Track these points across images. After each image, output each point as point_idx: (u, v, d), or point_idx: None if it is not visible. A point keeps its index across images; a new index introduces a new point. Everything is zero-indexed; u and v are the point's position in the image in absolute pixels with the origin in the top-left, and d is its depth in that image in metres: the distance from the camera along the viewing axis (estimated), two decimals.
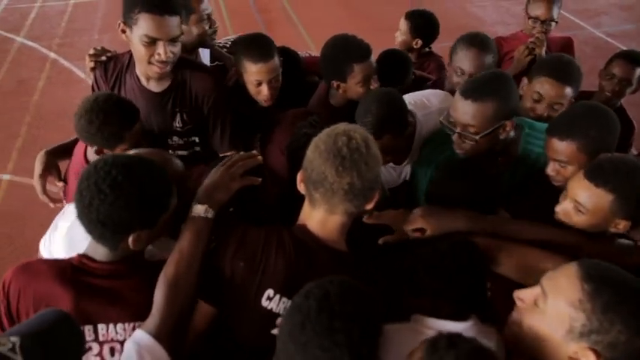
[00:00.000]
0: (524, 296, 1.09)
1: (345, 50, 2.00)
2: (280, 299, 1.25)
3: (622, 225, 1.40)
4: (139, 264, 1.30)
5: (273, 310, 1.25)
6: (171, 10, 1.70)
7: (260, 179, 1.41)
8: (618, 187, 1.35)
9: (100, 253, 1.26)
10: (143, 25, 1.68)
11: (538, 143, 1.69)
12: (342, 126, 1.26)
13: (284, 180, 1.69)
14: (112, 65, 1.94)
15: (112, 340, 1.23)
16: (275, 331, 1.24)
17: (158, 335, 1.16)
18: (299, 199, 1.35)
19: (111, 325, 1.24)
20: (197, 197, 1.34)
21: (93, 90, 1.99)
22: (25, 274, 1.26)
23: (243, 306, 1.26)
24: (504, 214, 1.64)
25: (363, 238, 1.37)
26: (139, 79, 1.90)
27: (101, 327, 1.23)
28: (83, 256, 1.28)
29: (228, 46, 2.58)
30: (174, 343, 1.19)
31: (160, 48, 1.71)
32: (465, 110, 1.59)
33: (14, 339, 0.88)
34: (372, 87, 2.03)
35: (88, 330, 1.23)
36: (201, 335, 1.27)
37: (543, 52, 2.44)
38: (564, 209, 1.45)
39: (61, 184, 1.92)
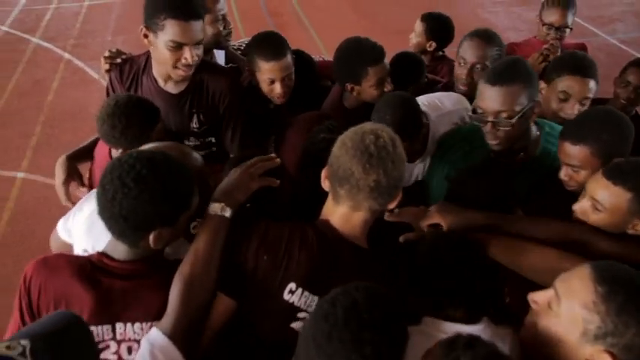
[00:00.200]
0: (537, 298, 1.09)
1: (359, 53, 2.01)
2: (302, 293, 1.26)
3: None
4: (159, 263, 1.29)
5: (295, 303, 1.26)
6: (196, 15, 1.73)
7: (278, 181, 1.42)
8: (637, 186, 1.35)
9: (120, 251, 1.26)
10: (169, 31, 1.70)
11: (557, 143, 1.69)
12: (368, 124, 1.28)
13: (298, 182, 1.69)
14: (128, 67, 1.96)
15: (130, 340, 1.23)
16: (295, 325, 1.25)
17: (172, 335, 1.15)
18: (311, 200, 1.36)
19: (129, 325, 1.23)
20: (214, 196, 1.34)
21: (107, 92, 2.01)
22: (45, 269, 1.25)
23: (265, 299, 1.27)
24: (520, 213, 1.63)
25: (383, 235, 1.38)
26: (156, 81, 1.92)
27: (119, 326, 1.23)
28: (102, 255, 1.27)
29: (242, 48, 2.60)
30: (188, 343, 1.18)
31: (187, 52, 1.73)
32: (495, 96, 1.58)
33: (24, 342, 0.86)
34: (385, 89, 2.03)
35: (106, 329, 1.23)
36: (218, 331, 1.27)
37: None
38: (582, 207, 1.44)
39: (84, 189, 1.93)
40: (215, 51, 2.34)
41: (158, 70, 1.89)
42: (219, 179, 1.41)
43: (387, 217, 1.45)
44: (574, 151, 1.52)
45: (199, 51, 1.79)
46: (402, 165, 1.26)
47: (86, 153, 1.95)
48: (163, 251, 1.31)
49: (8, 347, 0.85)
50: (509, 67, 1.61)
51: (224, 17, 2.27)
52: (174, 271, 1.25)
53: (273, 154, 1.50)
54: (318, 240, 1.28)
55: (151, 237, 1.21)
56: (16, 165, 3.88)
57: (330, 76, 2.30)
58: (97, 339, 1.22)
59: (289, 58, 2.02)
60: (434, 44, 2.77)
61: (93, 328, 1.21)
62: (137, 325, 1.23)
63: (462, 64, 2.09)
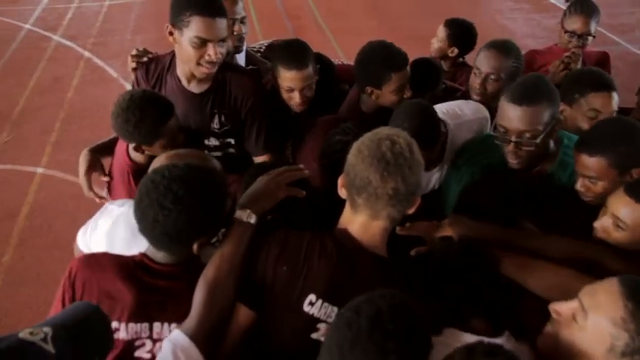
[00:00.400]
0: (560, 309, 1.08)
1: (385, 57, 2.01)
2: (322, 304, 1.24)
3: None
4: (195, 266, 1.31)
5: (315, 315, 1.24)
6: (221, 12, 1.75)
7: (304, 192, 1.42)
8: None
9: (160, 256, 1.30)
10: (194, 27, 1.72)
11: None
12: (384, 130, 1.25)
13: (315, 186, 1.70)
14: (154, 66, 1.98)
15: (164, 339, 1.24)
16: (315, 336, 1.24)
17: (194, 337, 1.17)
18: (331, 204, 1.36)
19: (165, 324, 1.26)
20: (241, 202, 1.35)
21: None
22: (90, 266, 1.29)
23: (285, 310, 1.26)
24: (529, 226, 1.63)
25: (398, 245, 1.37)
26: (179, 80, 1.94)
27: (156, 325, 1.26)
28: (144, 256, 1.31)
29: (262, 50, 2.62)
30: (210, 346, 1.20)
31: (210, 49, 1.75)
32: (519, 116, 1.57)
33: (47, 329, 0.89)
34: (405, 95, 2.03)
35: (144, 327, 1.26)
36: (239, 340, 1.27)
37: (579, 67, 2.41)
38: (603, 225, 1.43)
39: (106, 178, 1.96)
40: (236, 56, 2.36)
41: (182, 70, 1.91)
42: (236, 189, 1.43)
43: (398, 230, 1.43)
44: (590, 163, 1.51)
45: (223, 49, 1.80)
46: (420, 170, 1.24)
47: (108, 148, 1.98)
48: (199, 255, 1.33)
49: (32, 333, 0.88)
50: (532, 87, 1.60)
51: (242, 20, 2.29)
52: None
53: (301, 165, 1.50)
54: (337, 250, 1.26)
55: (195, 246, 1.26)
56: (36, 160, 3.94)
57: (347, 80, 2.31)
58: (134, 336, 1.26)
59: (311, 69, 2.03)
60: (456, 50, 2.76)
61: (132, 325, 1.25)
62: (173, 325, 1.25)
63: (477, 74, 2.09)
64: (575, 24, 2.56)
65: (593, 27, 2.56)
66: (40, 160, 3.95)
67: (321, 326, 1.26)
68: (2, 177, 3.77)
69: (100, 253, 1.40)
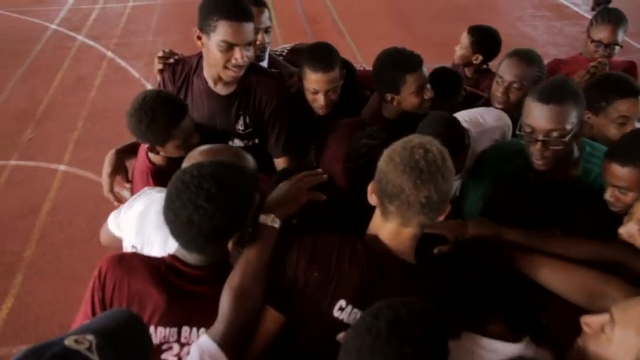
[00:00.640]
0: (591, 322, 1.08)
1: (397, 62, 2.02)
2: (352, 310, 1.25)
3: None
4: (225, 269, 1.30)
5: (344, 320, 1.25)
6: (248, 17, 1.77)
7: (325, 196, 1.43)
8: None
9: (191, 258, 1.28)
10: (221, 32, 1.75)
11: (598, 163, 1.66)
12: (416, 138, 1.24)
13: (339, 188, 1.71)
14: (180, 67, 2.01)
15: (192, 343, 1.23)
16: (340, 340, 1.22)
17: (222, 342, 1.17)
18: (355, 207, 1.36)
19: (194, 329, 1.26)
20: (265, 207, 1.35)
21: None
22: (120, 267, 1.28)
23: (315, 315, 1.26)
24: (556, 233, 1.61)
25: (424, 247, 1.37)
26: (206, 82, 1.96)
27: (185, 329, 1.26)
28: (174, 258, 1.29)
29: (284, 54, 2.64)
30: (236, 351, 1.20)
31: (237, 53, 1.78)
32: (548, 115, 1.55)
33: (90, 337, 0.88)
34: (425, 96, 2.04)
35: (173, 331, 1.25)
36: (266, 344, 1.27)
37: None
38: (629, 231, 1.42)
39: (128, 185, 1.99)
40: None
41: (209, 72, 1.94)
42: (265, 190, 1.43)
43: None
44: (622, 173, 1.49)
45: (250, 52, 1.83)
46: (452, 178, 1.24)
47: (133, 149, 2.00)
48: (229, 257, 1.33)
49: (77, 341, 0.87)
50: (559, 86, 1.59)
51: (267, 30, 2.31)
52: None
53: (320, 170, 1.51)
54: (368, 256, 1.26)
55: (230, 243, 1.25)
56: (59, 158, 4.02)
57: (369, 86, 2.32)
58: (162, 340, 1.25)
59: (337, 72, 2.04)
60: (480, 57, 2.75)
61: (161, 329, 1.25)
62: (202, 330, 1.25)
63: (499, 82, 2.09)
64: (602, 33, 2.52)
65: (620, 36, 2.52)
66: (62, 157, 4.03)
67: None
68: (26, 173, 3.85)
69: (130, 253, 1.39)
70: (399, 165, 1.19)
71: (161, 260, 1.31)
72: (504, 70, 2.07)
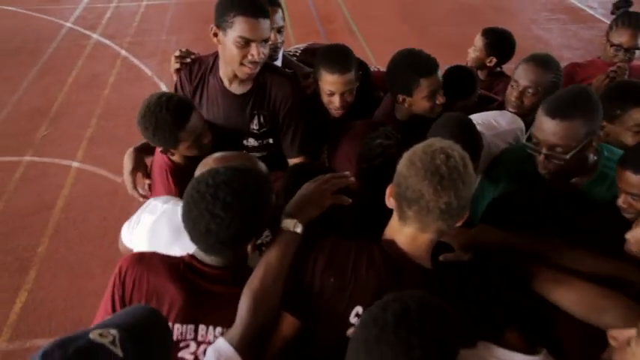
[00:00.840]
0: (617, 335, 1.07)
1: (412, 64, 2.01)
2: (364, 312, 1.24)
3: None
4: (243, 270, 1.31)
5: None
6: (264, 13, 1.79)
7: (350, 200, 1.40)
8: None
9: (210, 259, 1.30)
10: (238, 28, 1.76)
11: (615, 167, 1.65)
12: (437, 142, 1.22)
13: (352, 190, 1.71)
14: (197, 67, 2.02)
15: (209, 342, 1.25)
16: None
17: (239, 346, 1.17)
18: (367, 209, 1.36)
19: (210, 328, 1.27)
20: (287, 210, 1.34)
21: (176, 90, 2.07)
22: (140, 264, 1.30)
23: (331, 321, 1.25)
24: (555, 240, 1.60)
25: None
26: (221, 81, 1.97)
27: (202, 328, 1.27)
28: (193, 258, 1.31)
29: (297, 54, 2.65)
30: (252, 356, 1.20)
31: (253, 49, 1.79)
32: (553, 130, 1.55)
33: (114, 332, 0.90)
34: (437, 102, 2.03)
35: (189, 328, 1.27)
36: (282, 349, 1.27)
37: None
38: (635, 236, 1.41)
39: (148, 181, 2.01)
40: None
41: (224, 70, 1.95)
42: (277, 187, 1.43)
43: None
44: (635, 180, 1.48)
45: (266, 49, 1.83)
46: (472, 185, 1.22)
47: (151, 147, 2.01)
48: (247, 258, 1.34)
49: (101, 335, 0.89)
50: (570, 101, 1.57)
51: (279, 30, 2.32)
52: None
53: (347, 172, 1.48)
54: (384, 262, 1.25)
55: (249, 247, 1.27)
56: (72, 155, 4.06)
57: (382, 87, 2.32)
58: (179, 337, 1.27)
59: (353, 74, 2.04)
60: (494, 60, 2.73)
61: (178, 326, 1.26)
62: (218, 329, 1.26)
63: (514, 87, 2.08)
64: (622, 37, 2.49)
65: None
66: (76, 154, 4.07)
67: None
68: (40, 170, 3.90)
69: (150, 252, 1.41)
70: (419, 170, 1.17)
71: (180, 259, 1.32)
72: (520, 74, 2.06)
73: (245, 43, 1.78)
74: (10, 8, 7.01)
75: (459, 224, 1.25)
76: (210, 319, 1.27)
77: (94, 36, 6.21)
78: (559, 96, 1.63)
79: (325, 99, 2.08)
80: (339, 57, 2.03)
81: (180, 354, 1.27)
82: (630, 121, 1.85)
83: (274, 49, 2.33)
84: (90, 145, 4.19)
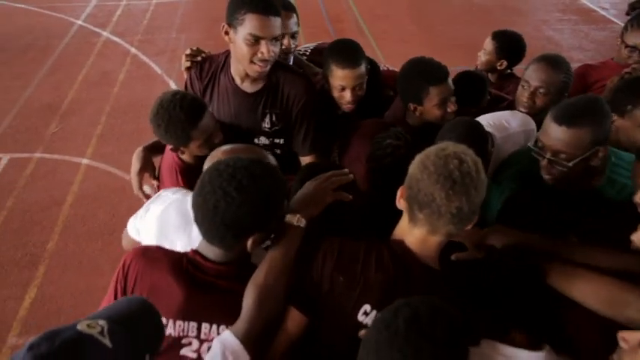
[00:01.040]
0: (629, 337, 1.07)
1: (422, 73, 2.00)
2: (376, 315, 1.24)
3: None
4: (247, 267, 1.31)
5: (368, 325, 1.24)
6: (275, 11, 1.79)
7: (351, 196, 1.42)
8: None
9: (213, 252, 1.29)
10: (249, 25, 1.76)
11: (624, 173, 1.64)
12: (451, 147, 1.22)
13: (361, 188, 1.70)
14: (208, 65, 2.02)
15: (212, 340, 1.23)
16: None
17: (244, 339, 1.17)
18: (376, 207, 1.36)
19: (214, 325, 1.26)
20: (290, 207, 1.36)
21: (186, 88, 2.08)
22: (144, 259, 1.30)
23: (339, 319, 1.26)
24: (573, 240, 1.60)
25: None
26: (233, 79, 1.97)
27: (205, 325, 1.26)
28: (197, 253, 1.30)
29: (307, 54, 2.65)
30: (258, 349, 1.20)
31: (264, 47, 1.79)
32: (558, 136, 1.55)
33: (102, 322, 0.91)
34: (449, 109, 2.01)
35: (192, 325, 1.26)
36: (287, 345, 1.27)
37: None
38: None
39: (155, 182, 2.01)
40: None
41: (236, 69, 1.95)
42: (290, 188, 1.43)
43: None
44: None
45: (276, 48, 1.83)
46: (484, 190, 1.22)
47: (161, 146, 2.02)
48: (251, 255, 1.34)
49: (89, 326, 0.90)
50: (580, 108, 1.56)
51: (293, 35, 2.32)
52: None
53: (346, 170, 1.50)
54: (393, 262, 1.26)
55: (250, 242, 1.24)
56: (82, 152, 4.09)
57: (392, 86, 2.31)
58: (180, 334, 1.26)
59: (363, 67, 2.04)
60: (505, 63, 2.72)
61: (179, 322, 1.26)
62: (222, 327, 1.25)
63: (525, 87, 2.07)
64: (637, 39, 2.46)
65: None
66: (85, 151, 4.09)
67: None
68: (50, 166, 3.93)
69: (154, 246, 1.41)
70: (432, 174, 1.18)
71: (183, 254, 1.32)
72: (531, 74, 2.06)
73: (255, 40, 1.78)
74: (21, 6, 7.07)
75: (468, 227, 1.25)
76: (213, 318, 1.26)
77: (105, 34, 6.25)
78: (569, 103, 1.62)
79: (336, 94, 2.08)
80: (348, 51, 2.03)
81: (183, 351, 1.26)
82: (639, 117, 1.83)
83: (286, 54, 2.34)
84: (99, 143, 4.22)
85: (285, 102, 1.99)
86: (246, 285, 1.26)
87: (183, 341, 1.26)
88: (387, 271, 1.25)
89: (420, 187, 1.19)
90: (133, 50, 5.81)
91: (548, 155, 1.59)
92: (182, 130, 1.76)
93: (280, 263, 1.27)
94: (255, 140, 2.03)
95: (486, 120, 1.90)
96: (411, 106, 2.04)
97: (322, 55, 2.14)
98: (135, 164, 1.98)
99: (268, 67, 1.86)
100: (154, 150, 2.04)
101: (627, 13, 6.40)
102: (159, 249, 1.37)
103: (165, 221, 1.54)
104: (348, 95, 2.04)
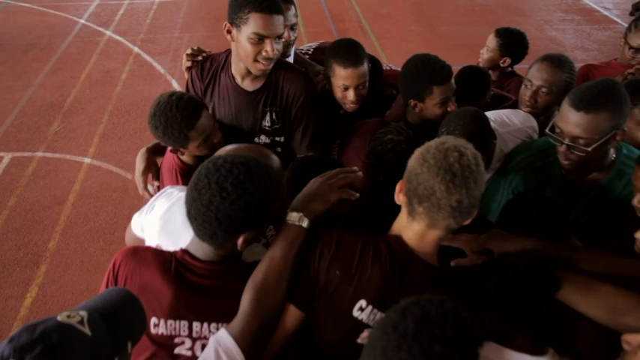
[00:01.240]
0: (632, 340, 1.07)
1: (426, 71, 1.99)
2: (372, 310, 1.25)
3: None
4: (237, 266, 1.31)
5: (364, 320, 1.25)
6: (278, 9, 1.79)
7: (358, 194, 1.39)
8: None
9: (202, 251, 1.28)
10: (252, 24, 1.76)
11: (633, 166, 1.63)
12: (450, 140, 1.21)
13: (360, 187, 1.70)
14: (209, 64, 2.02)
15: (206, 338, 1.25)
16: (360, 340, 1.24)
17: (240, 338, 1.17)
18: (375, 204, 1.35)
19: (205, 324, 1.25)
20: (293, 205, 1.33)
21: (187, 88, 2.08)
22: (134, 259, 1.30)
23: (334, 314, 1.26)
24: (575, 243, 1.59)
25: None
26: (233, 78, 1.97)
27: (196, 324, 1.25)
28: (186, 253, 1.29)
29: (310, 52, 2.64)
30: (254, 349, 1.19)
31: (268, 45, 1.79)
32: (577, 122, 1.54)
33: (83, 313, 0.93)
34: (449, 108, 2.01)
35: (183, 324, 1.25)
36: (285, 341, 1.27)
37: None
38: None
39: (157, 183, 2.01)
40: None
41: (237, 67, 1.94)
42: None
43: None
44: None
45: (279, 46, 1.83)
46: (483, 183, 1.21)
47: (163, 148, 2.01)
48: (241, 254, 1.32)
49: (69, 316, 0.92)
50: (598, 93, 1.55)
51: (292, 27, 2.31)
52: (250, 274, 1.26)
53: (355, 167, 1.47)
54: (390, 257, 1.26)
55: (240, 240, 1.23)
56: (84, 150, 4.09)
57: (395, 85, 2.31)
58: (172, 333, 1.26)
59: (365, 67, 2.04)
60: (508, 60, 2.72)
61: (170, 321, 1.25)
62: (213, 325, 1.25)
63: (528, 86, 2.07)
64: None
65: None
66: (87, 150, 4.09)
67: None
68: (52, 165, 3.93)
69: (145, 246, 1.40)
70: (432, 167, 1.17)
71: (173, 254, 1.31)
72: (534, 74, 2.05)
73: (259, 39, 1.77)
74: (24, 5, 7.08)
75: (468, 222, 1.24)
76: (205, 316, 1.26)
77: (107, 33, 6.25)
78: (586, 87, 1.60)
79: (339, 94, 2.08)
80: (350, 51, 2.03)
81: (177, 350, 1.26)
82: (638, 116, 1.83)
83: (287, 46, 2.33)
84: (101, 142, 4.22)
85: (285, 100, 1.98)
86: (235, 283, 1.25)
87: (176, 340, 1.26)
88: (383, 266, 1.24)
89: (419, 181, 1.18)
90: (136, 49, 5.81)
91: (566, 141, 1.58)
92: (179, 131, 1.75)
93: (280, 263, 1.25)
94: (256, 139, 2.03)
95: (488, 116, 1.89)
96: (412, 102, 2.04)
97: (325, 54, 2.13)
98: (139, 165, 1.99)
99: (271, 66, 1.86)
100: (156, 151, 2.04)
101: (631, 14, 6.39)
102: (149, 249, 1.36)
103: (169, 220, 1.54)
104: (351, 95, 2.04)
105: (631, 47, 2.49)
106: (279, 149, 2.05)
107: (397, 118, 2.14)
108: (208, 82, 2.01)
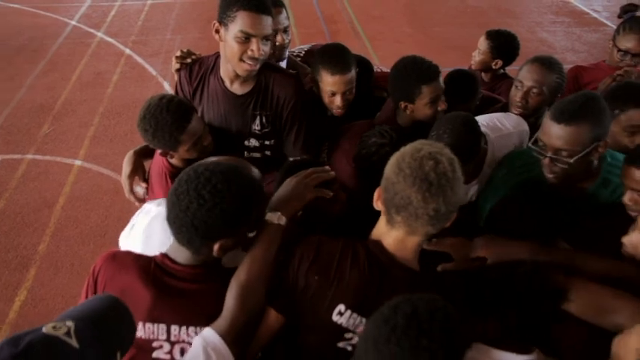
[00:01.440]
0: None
1: (414, 71, 1.99)
2: (351, 315, 1.25)
3: None
4: (217, 270, 1.32)
5: (343, 324, 1.25)
6: (266, 9, 1.78)
7: (332, 193, 1.44)
8: None
9: (182, 256, 1.29)
10: (240, 22, 1.75)
11: (619, 173, 1.64)
12: (426, 147, 1.21)
13: (350, 189, 1.70)
14: (197, 67, 2.01)
15: (184, 342, 1.26)
16: (341, 344, 1.26)
17: (226, 336, 1.18)
18: (366, 208, 1.35)
19: (183, 327, 1.26)
20: (271, 204, 1.37)
21: (176, 91, 2.07)
22: (113, 264, 1.30)
23: (313, 318, 1.27)
24: (564, 245, 1.60)
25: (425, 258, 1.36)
26: (222, 81, 1.96)
27: (174, 328, 1.26)
28: (165, 256, 1.31)
29: (301, 55, 2.64)
30: (239, 347, 1.21)
31: (254, 45, 1.78)
32: (558, 134, 1.56)
33: (69, 323, 0.90)
34: (439, 108, 2.01)
35: (161, 328, 1.26)
36: (267, 342, 1.29)
37: None
38: (632, 241, 1.41)
39: (144, 184, 2.00)
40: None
41: (225, 70, 1.94)
42: (270, 188, 1.43)
43: (426, 246, 1.40)
44: None
45: (267, 47, 1.82)
46: (461, 189, 1.22)
47: (151, 150, 2.00)
48: (221, 259, 1.33)
49: (55, 327, 0.89)
50: (578, 106, 1.57)
51: (285, 30, 2.31)
52: (229, 279, 1.28)
53: (327, 167, 1.51)
54: (369, 262, 1.26)
55: (216, 246, 1.25)
56: (74, 153, 4.06)
57: (386, 88, 2.31)
58: (151, 337, 1.26)
59: (353, 73, 2.04)
60: (500, 62, 2.73)
61: (149, 325, 1.26)
62: (192, 328, 1.26)
63: (519, 87, 2.08)
64: (629, 42, 2.47)
65: None
66: (78, 152, 4.07)
67: (349, 336, 1.27)
68: (42, 167, 3.90)
69: (124, 251, 1.41)
70: (408, 177, 1.17)
71: (152, 258, 1.32)
72: (524, 75, 2.07)
73: (246, 38, 1.77)
74: (15, 6, 7.03)
75: (447, 225, 1.25)
76: (182, 319, 1.26)
77: (99, 34, 6.22)
78: (568, 101, 1.62)
79: (327, 99, 2.08)
80: (338, 57, 2.03)
81: (155, 354, 1.26)
82: (625, 121, 1.85)
83: (281, 49, 2.33)
84: (92, 144, 4.19)
85: (275, 103, 1.98)
86: (215, 287, 1.27)
87: (154, 344, 1.26)
88: (361, 271, 1.25)
89: (396, 190, 1.18)
90: (127, 51, 5.79)
91: (549, 154, 1.60)
92: (170, 134, 1.75)
93: (261, 261, 1.28)
94: (246, 142, 2.02)
95: (480, 121, 1.89)
96: (402, 104, 2.04)
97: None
98: (126, 168, 1.97)
99: (257, 67, 1.85)
100: (144, 154, 2.03)
101: (619, 16, 6.43)
102: (129, 253, 1.37)
103: (150, 236, 1.54)
104: (338, 100, 2.05)
105: (619, 49, 2.50)
106: (268, 152, 2.05)
107: (387, 120, 2.14)
108: (197, 85, 2.00)
